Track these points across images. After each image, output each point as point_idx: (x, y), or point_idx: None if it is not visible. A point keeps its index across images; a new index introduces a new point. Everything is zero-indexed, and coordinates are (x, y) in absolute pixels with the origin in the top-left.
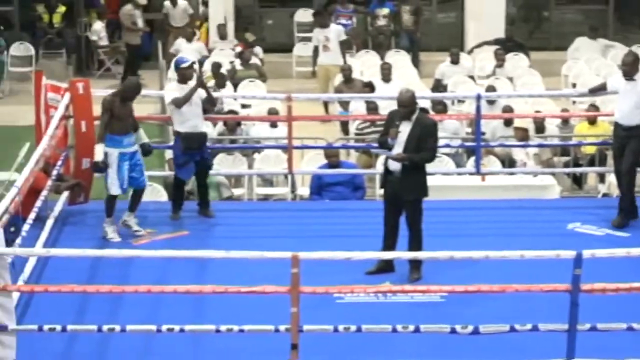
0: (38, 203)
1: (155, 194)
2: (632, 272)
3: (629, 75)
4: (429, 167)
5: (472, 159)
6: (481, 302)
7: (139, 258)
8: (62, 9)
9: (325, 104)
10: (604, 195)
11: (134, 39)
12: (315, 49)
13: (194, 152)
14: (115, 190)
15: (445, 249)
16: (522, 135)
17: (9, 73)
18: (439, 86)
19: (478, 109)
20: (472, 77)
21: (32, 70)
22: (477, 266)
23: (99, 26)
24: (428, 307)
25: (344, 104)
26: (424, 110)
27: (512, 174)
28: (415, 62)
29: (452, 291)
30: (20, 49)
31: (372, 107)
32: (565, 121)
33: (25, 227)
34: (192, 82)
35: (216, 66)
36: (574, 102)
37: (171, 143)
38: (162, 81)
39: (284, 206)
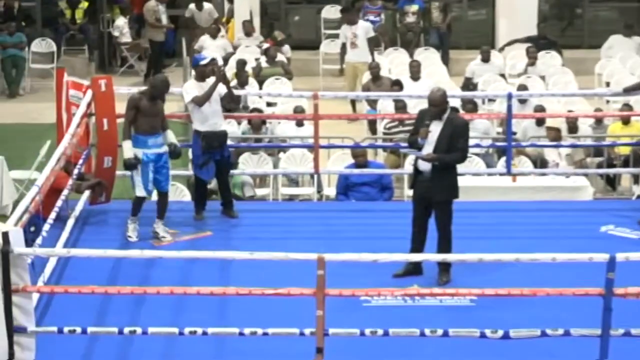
0: (59, 202)
1: (179, 193)
2: None
3: None
4: (459, 168)
5: (503, 159)
6: (512, 306)
7: (162, 259)
8: (84, 4)
9: (353, 103)
10: (638, 197)
11: (158, 35)
12: (343, 46)
13: (215, 152)
14: (140, 192)
15: (475, 252)
16: (555, 135)
17: (30, 70)
18: (469, 85)
19: (509, 108)
20: (503, 76)
21: (54, 67)
22: (507, 269)
23: (121, 22)
24: (457, 311)
25: (372, 103)
26: (454, 110)
27: (543, 174)
28: (445, 60)
29: (482, 294)
30: (42, 45)
31: (400, 106)
32: (599, 121)
33: (46, 227)
34: (211, 80)
35: (241, 63)
36: (607, 102)
37: None
38: (186, 78)
39: (310, 207)
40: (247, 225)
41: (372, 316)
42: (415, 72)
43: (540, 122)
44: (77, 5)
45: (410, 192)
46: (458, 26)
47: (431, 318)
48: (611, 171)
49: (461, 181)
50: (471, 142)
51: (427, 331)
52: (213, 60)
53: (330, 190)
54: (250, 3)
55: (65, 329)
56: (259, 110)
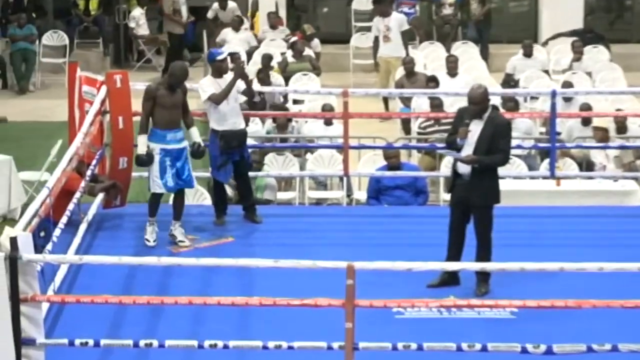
0: (70, 206)
1: (199, 197)
2: None
3: None
4: (499, 171)
5: (546, 161)
6: (555, 319)
7: (180, 267)
8: None
9: (385, 100)
10: None
11: (177, 27)
12: (375, 40)
13: (234, 152)
14: (157, 188)
15: (516, 260)
16: (602, 135)
17: (41, 64)
18: (509, 81)
19: (553, 106)
20: (546, 72)
21: (66, 62)
22: (551, 279)
23: (137, 13)
24: (497, 324)
25: (406, 100)
26: (495, 108)
27: (590, 178)
28: (484, 54)
29: (524, 306)
30: (54, 38)
31: (436, 104)
32: None
33: (57, 231)
34: (229, 76)
35: (266, 58)
36: None
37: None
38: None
39: (339, 211)
40: (272, 231)
41: (405, 329)
42: (452, 67)
43: (586, 121)
44: None
45: (447, 196)
46: (498, 18)
47: (469, 331)
48: None
49: (502, 185)
50: (512, 142)
51: (464, 346)
52: (235, 54)
53: (361, 194)
54: None
55: (77, 341)
56: (285, 108)
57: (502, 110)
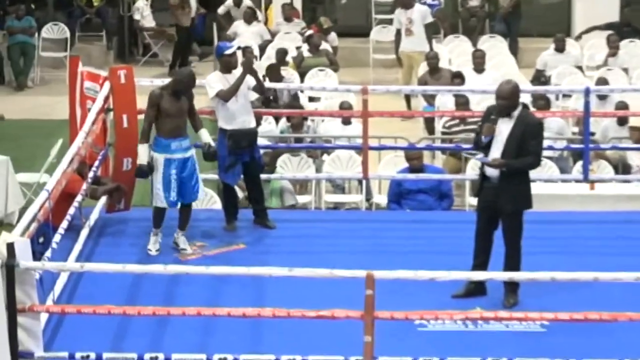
0: (71, 210)
1: (207, 200)
2: None
3: None
4: (530, 173)
5: (579, 163)
6: (588, 332)
7: (188, 275)
8: None
9: (407, 98)
10: None
11: (184, 19)
12: (397, 33)
13: (243, 152)
14: (159, 202)
15: (547, 269)
16: (639, 136)
17: (40, 59)
18: (540, 78)
19: (587, 105)
20: (580, 68)
21: (67, 56)
22: (584, 289)
23: (141, 3)
24: (526, 338)
25: (429, 98)
26: (526, 107)
27: (626, 181)
28: (513, 49)
29: (555, 319)
30: (54, 30)
31: (461, 102)
32: None
33: (56, 237)
34: (238, 72)
35: (281, 53)
36: None
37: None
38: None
39: (358, 216)
40: (285, 237)
41: (428, 343)
42: (479, 63)
43: (622, 121)
44: None
45: (474, 201)
46: (528, 10)
47: (496, 345)
48: None
49: (532, 188)
50: (544, 144)
51: None
52: (247, 48)
53: (381, 198)
54: None
55: (78, 355)
56: (300, 106)
57: (532, 109)
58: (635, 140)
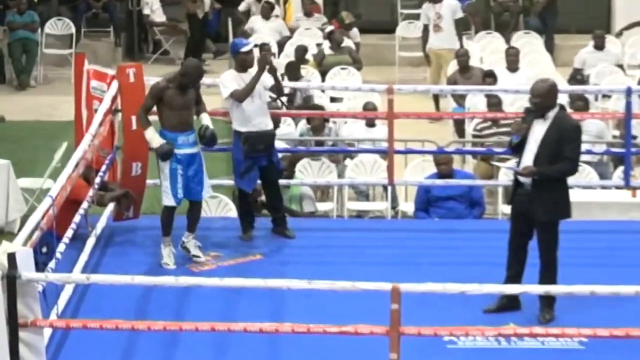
0: (77, 218)
1: (222, 208)
2: None
3: None
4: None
5: (620, 169)
6: (630, 350)
7: (201, 288)
8: None
9: (436, 98)
10: None
11: (196, 7)
12: (424, 29)
13: (260, 156)
14: (167, 200)
15: (585, 282)
16: None
17: (44, 56)
18: (578, 77)
19: (628, 106)
20: (620, 67)
21: (72, 53)
22: (625, 304)
23: None
24: (563, 355)
25: (459, 98)
26: (562, 108)
27: None
28: (549, 46)
29: (594, 335)
30: (58, 26)
31: (494, 103)
32: None
33: (61, 247)
34: (254, 70)
35: (300, 50)
36: None
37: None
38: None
39: (382, 225)
40: (305, 247)
41: None
42: (512, 61)
43: None
44: None
45: (507, 209)
46: (565, 5)
47: None
48: None
49: (570, 196)
50: (582, 147)
51: None
52: (265, 45)
53: (408, 206)
54: None
55: None
56: (321, 107)
57: (569, 110)
58: None
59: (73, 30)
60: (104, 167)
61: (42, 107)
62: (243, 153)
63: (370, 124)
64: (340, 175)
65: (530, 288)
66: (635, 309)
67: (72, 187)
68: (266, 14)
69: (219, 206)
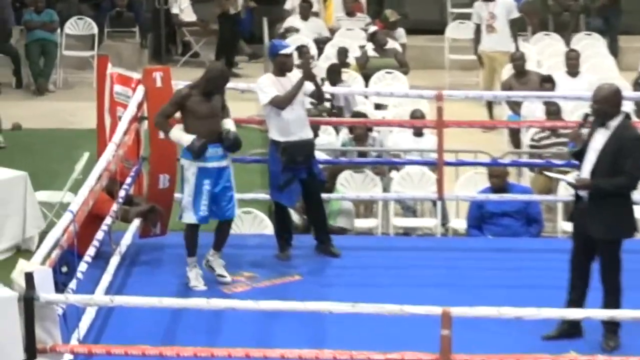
0: (99, 234)
1: (258, 224)
2: None
3: None
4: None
5: None
6: None
7: (234, 311)
8: None
9: (489, 105)
10: None
11: (229, 4)
12: (477, 30)
13: (300, 168)
14: (189, 217)
15: None
16: None
17: (63, 58)
18: None
19: None
20: None
21: (94, 55)
22: None
23: None
24: None
25: (515, 106)
26: (627, 117)
27: None
28: (613, 48)
29: None
30: (79, 26)
31: (553, 111)
32: None
33: (82, 266)
34: (294, 75)
35: (342, 52)
36: None
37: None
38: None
39: (432, 243)
40: (348, 267)
41: None
42: (572, 65)
43: None
44: None
45: (567, 226)
46: (630, 4)
47: None
48: None
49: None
50: None
51: None
52: (304, 47)
53: (459, 223)
54: None
55: None
56: (364, 115)
57: (634, 119)
58: None
59: (95, 30)
60: (128, 180)
61: (62, 113)
62: (281, 164)
63: (418, 133)
64: (386, 189)
65: (593, 313)
66: None
67: (94, 201)
68: (305, 13)
69: (253, 222)
